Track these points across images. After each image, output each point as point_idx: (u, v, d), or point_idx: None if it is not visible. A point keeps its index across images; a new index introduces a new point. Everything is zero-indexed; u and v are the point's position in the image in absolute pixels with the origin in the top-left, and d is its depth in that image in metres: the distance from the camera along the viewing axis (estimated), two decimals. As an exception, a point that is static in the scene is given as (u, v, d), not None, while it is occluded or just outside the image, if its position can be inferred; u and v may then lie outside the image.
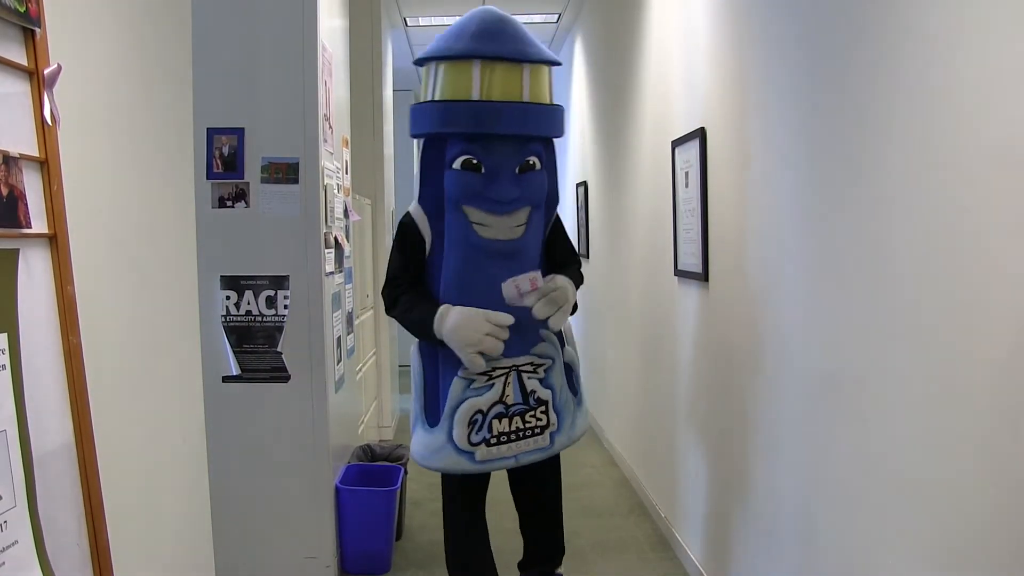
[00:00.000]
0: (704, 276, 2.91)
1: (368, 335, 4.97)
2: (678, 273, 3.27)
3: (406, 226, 2.58)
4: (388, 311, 2.66)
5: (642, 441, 4.20)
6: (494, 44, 2.44)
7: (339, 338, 3.41)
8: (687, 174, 3.08)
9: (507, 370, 2.49)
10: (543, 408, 2.54)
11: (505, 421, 2.49)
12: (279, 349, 3.04)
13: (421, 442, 2.54)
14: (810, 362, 2.12)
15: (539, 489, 2.74)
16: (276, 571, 3.09)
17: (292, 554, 3.10)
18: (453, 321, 2.42)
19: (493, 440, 2.47)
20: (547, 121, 2.56)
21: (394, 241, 2.64)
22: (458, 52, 2.44)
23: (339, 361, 3.39)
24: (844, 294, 1.92)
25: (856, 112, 1.83)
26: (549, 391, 2.56)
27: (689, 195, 3.06)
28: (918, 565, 1.64)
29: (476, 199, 2.46)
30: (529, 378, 2.53)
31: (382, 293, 2.67)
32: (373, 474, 3.49)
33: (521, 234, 2.52)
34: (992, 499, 1.41)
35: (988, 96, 1.40)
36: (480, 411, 2.46)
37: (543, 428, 2.55)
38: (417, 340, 2.64)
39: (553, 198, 2.66)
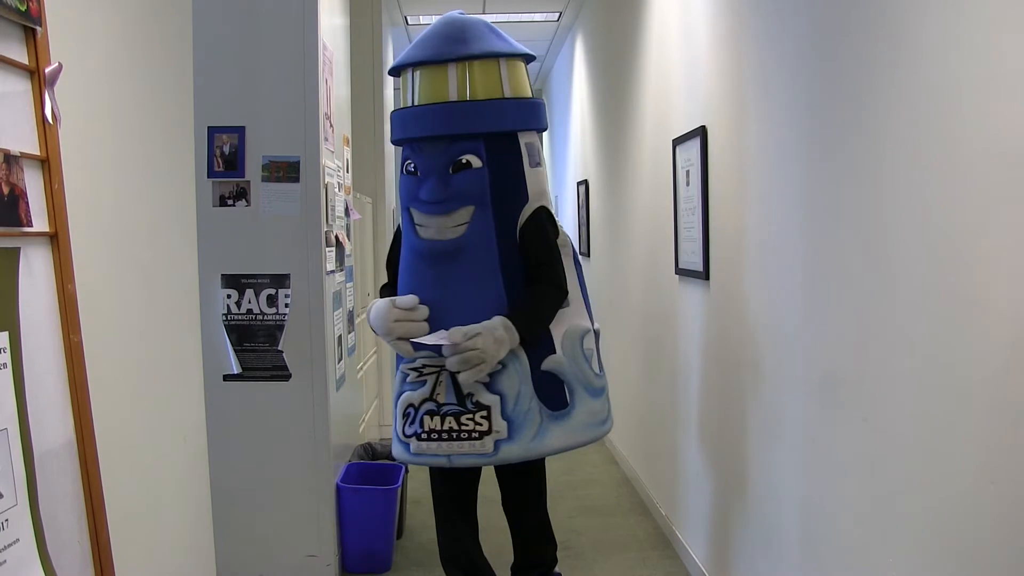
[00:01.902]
0: (705, 274, 2.91)
1: (369, 334, 4.96)
2: (679, 272, 3.27)
3: (397, 231, 2.72)
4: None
5: (643, 440, 4.21)
6: (422, 49, 2.55)
7: (340, 337, 3.41)
8: (688, 172, 3.08)
9: (437, 369, 2.48)
10: (483, 413, 2.46)
11: (437, 419, 2.48)
12: (280, 348, 3.04)
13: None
14: (811, 361, 2.12)
15: (521, 493, 2.73)
16: (277, 569, 3.09)
17: (293, 552, 3.11)
18: (371, 315, 2.55)
19: (424, 435, 2.49)
20: (483, 117, 2.50)
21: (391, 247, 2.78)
22: (398, 63, 2.60)
23: (340, 360, 3.39)
24: (845, 293, 1.92)
25: (857, 110, 1.83)
26: (496, 397, 2.46)
27: (690, 193, 3.06)
28: (919, 563, 1.64)
29: (414, 201, 2.55)
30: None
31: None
32: (374, 473, 3.49)
33: (462, 233, 2.49)
34: (993, 499, 1.41)
35: (988, 96, 1.40)
36: (412, 405, 2.51)
37: (482, 433, 2.46)
38: None
39: (515, 196, 2.56)
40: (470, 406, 2.46)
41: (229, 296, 3.03)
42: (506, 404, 2.46)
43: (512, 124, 2.55)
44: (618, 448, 4.87)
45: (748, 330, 2.54)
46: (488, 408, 2.45)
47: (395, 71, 2.65)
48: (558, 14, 6.15)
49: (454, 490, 2.70)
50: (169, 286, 2.28)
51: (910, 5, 1.62)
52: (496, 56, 2.53)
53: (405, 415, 2.52)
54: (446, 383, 2.48)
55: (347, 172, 3.78)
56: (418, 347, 2.48)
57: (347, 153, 3.80)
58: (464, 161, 2.49)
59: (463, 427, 2.46)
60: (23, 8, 1.44)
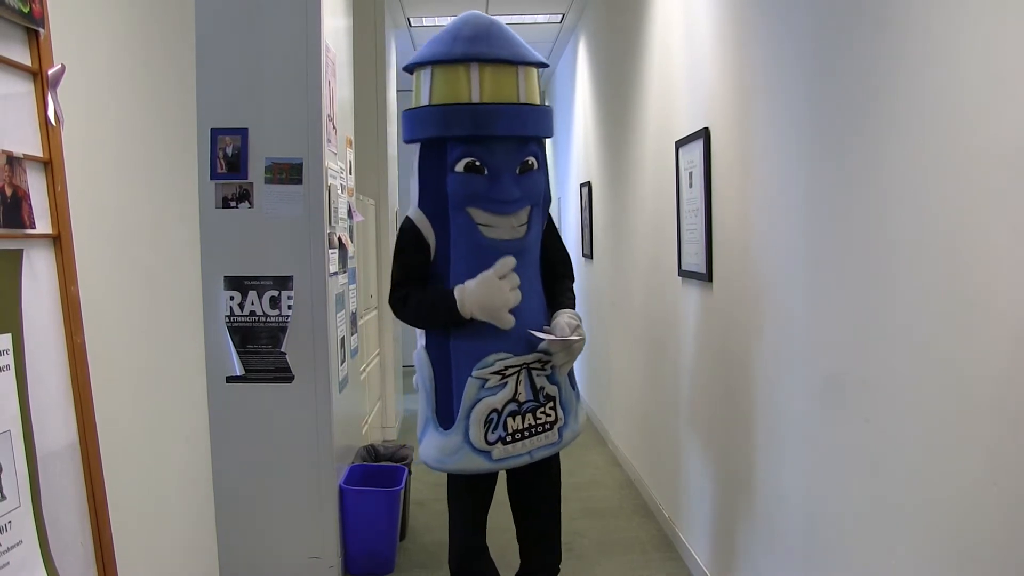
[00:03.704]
0: (708, 277, 2.90)
1: (372, 335, 4.98)
2: (682, 273, 3.26)
3: (408, 231, 2.59)
4: (399, 312, 2.63)
5: (646, 442, 4.20)
6: (489, 46, 2.49)
7: (343, 338, 3.41)
8: (691, 174, 3.08)
9: (519, 368, 2.52)
10: (551, 404, 2.58)
11: (519, 419, 2.52)
12: (283, 350, 3.04)
13: (435, 445, 2.55)
14: (813, 362, 2.12)
15: (539, 502, 2.74)
16: (280, 571, 3.09)
17: (296, 554, 3.11)
18: (476, 295, 2.46)
19: (508, 438, 2.50)
20: (541, 122, 2.62)
21: (396, 248, 2.64)
22: (455, 56, 2.49)
23: (343, 361, 3.39)
24: (848, 295, 1.91)
25: (860, 112, 1.83)
26: (556, 387, 2.60)
27: (693, 195, 3.06)
28: (922, 564, 1.64)
29: (480, 200, 2.50)
30: (538, 375, 2.56)
31: (389, 300, 2.65)
32: (377, 474, 3.49)
33: (524, 233, 2.58)
34: (996, 500, 1.40)
35: (990, 96, 1.40)
36: (495, 410, 2.49)
37: (552, 424, 2.59)
38: (423, 344, 2.64)
39: (547, 197, 2.69)
40: (542, 399, 2.57)
41: (232, 298, 3.03)
42: (561, 392, 2.63)
43: (552, 131, 2.70)
44: (621, 450, 4.87)
45: (751, 332, 2.54)
46: (554, 399, 2.60)
47: (421, 66, 2.55)
48: (561, 16, 6.15)
49: (477, 494, 2.69)
50: (172, 288, 2.29)
51: (911, 7, 1.62)
52: (540, 65, 2.65)
53: (487, 422, 2.48)
54: (525, 381, 2.54)
55: (350, 174, 3.78)
56: (521, 345, 2.52)
57: (350, 155, 3.80)
58: (529, 162, 2.58)
59: (538, 421, 2.56)
60: (26, 10, 1.44)
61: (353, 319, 3.78)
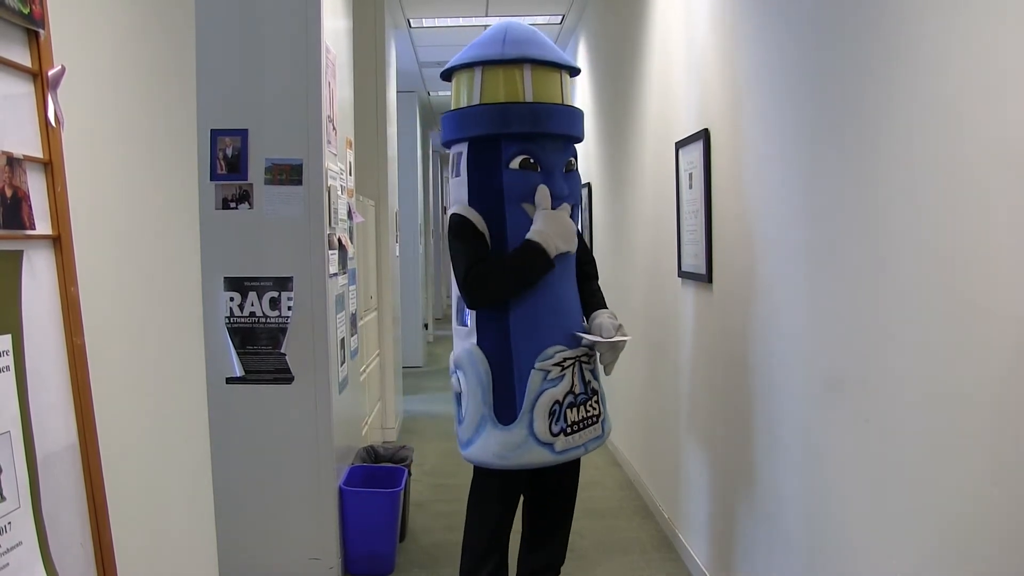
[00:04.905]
0: (708, 277, 2.90)
1: (372, 337, 4.97)
2: (682, 274, 3.26)
3: (463, 222, 2.53)
4: (484, 281, 2.50)
5: (645, 442, 4.20)
6: (539, 49, 2.57)
7: (343, 340, 3.41)
8: (691, 175, 3.08)
9: (574, 360, 2.56)
10: (595, 398, 2.63)
11: (575, 410, 2.56)
12: (283, 351, 3.04)
13: (495, 441, 2.49)
14: (813, 363, 2.12)
15: (561, 499, 2.75)
16: (279, 572, 3.09)
17: (295, 555, 3.11)
18: (550, 229, 2.50)
19: (569, 429, 2.54)
20: (581, 124, 2.69)
21: (455, 238, 2.56)
22: (508, 56, 2.53)
23: (343, 363, 3.39)
24: (848, 295, 1.91)
25: (860, 113, 1.83)
26: (597, 382, 2.66)
27: (693, 196, 3.06)
28: (922, 566, 1.64)
29: (534, 197, 2.55)
30: (586, 369, 2.61)
31: (467, 279, 2.50)
32: (377, 475, 3.49)
33: None
34: (995, 500, 1.40)
35: (988, 95, 1.40)
36: (557, 401, 2.52)
37: (597, 417, 2.63)
38: (475, 341, 2.56)
39: (581, 199, 2.77)
40: (589, 392, 2.62)
41: (232, 299, 3.03)
42: (600, 387, 2.68)
43: (583, 135, 2.74)
44: (621, 451, 4.86)
45: (751, 333, 2.54)
46: (597, 393, 2.65)
47: (465, 68, 2.59)
48: (561, 17, 6.16)
49: (517, 494, 2.69)
50: (172, 289, 2.28)
51: (909, 7, 1.62)
52: (575, 71, 2.73)
53: (551, 413, 2.50)
54: (578, 374, 2.58)
55: (350, 175, 3.78)
56: (576, 341, 2.57)
57: (350, 156, 3.80)
58: (572, 163, 2.66)
59: (588, 414, 2.60)
60: (26, 11, 1.44)
61: (353, 320, 3.78)
